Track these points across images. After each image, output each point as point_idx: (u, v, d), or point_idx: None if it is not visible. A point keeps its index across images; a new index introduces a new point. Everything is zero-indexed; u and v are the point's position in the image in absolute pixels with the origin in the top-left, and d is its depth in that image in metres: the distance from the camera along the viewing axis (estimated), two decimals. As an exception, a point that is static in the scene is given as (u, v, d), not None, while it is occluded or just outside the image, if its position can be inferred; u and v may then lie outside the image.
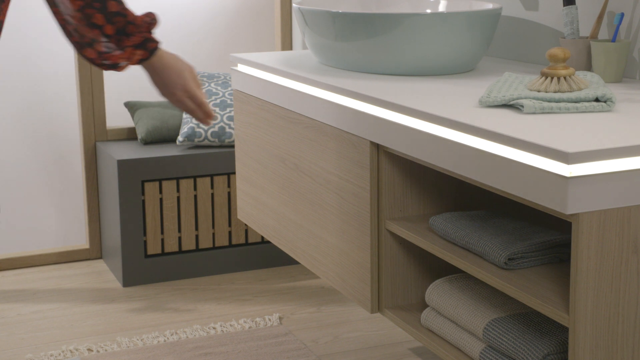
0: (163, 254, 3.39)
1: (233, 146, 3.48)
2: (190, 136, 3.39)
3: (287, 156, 2.34)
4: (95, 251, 3.63)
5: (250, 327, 2.97)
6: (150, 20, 1.78)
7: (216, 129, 3.40)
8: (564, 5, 2.24)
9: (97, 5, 1.70)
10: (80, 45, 1.74)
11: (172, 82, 1.83)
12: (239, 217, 2.76)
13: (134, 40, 1.75)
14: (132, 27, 1.74)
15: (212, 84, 3.51)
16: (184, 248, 3.42)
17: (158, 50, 1.80)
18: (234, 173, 3.44)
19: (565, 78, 1.89)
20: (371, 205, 2.08)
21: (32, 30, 3.63)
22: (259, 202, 2.58)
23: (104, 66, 1.77)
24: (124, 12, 1.73)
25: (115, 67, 1.77)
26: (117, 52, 1.75)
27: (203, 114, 1.87)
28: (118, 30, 1.73)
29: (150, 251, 3.37)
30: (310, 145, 2.22)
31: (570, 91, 1.88)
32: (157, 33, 3.81)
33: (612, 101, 1.83)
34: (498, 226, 1.95)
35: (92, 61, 1.76)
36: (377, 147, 2.09)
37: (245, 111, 2.62)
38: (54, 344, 2.89)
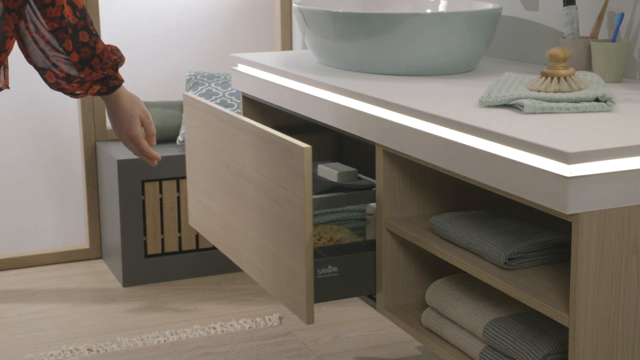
0: (163, 254, 3.39)
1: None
2: (190, 136, 3.39)
3: (231, 162, 2.28)
4: (95, 251, 3.63)
5: (250, 327, 2.97)
6: (117, 58, 1.81)
7: (216, 129, 3.40)
8: (564, 5, 2.24)
9: (70, 32, 1.72)
10: (42, 69, 1.76)
11: (120, 124, 1.88)
12: (190, 223, 2.70)
13: (95, 76, 1.78)
14: (97, 60, 1.77)
15: (212, 84, 3.51)
16: (184, 248, 3.42)
17: (118, 88, 1.84)
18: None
19: (565, 78, 1.89)
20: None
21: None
22: (207, 209, 2.50)
23: (61, 91, 1.80)
24: (93, 45, 1.76)
25: (73, 95, 1.81)
26: (76, 85, 1.78)
27: (146, 159, 1.94)
28: (82, 60, 1.75)
29: (150, 251, 3.37)
30: (252, 152, 2.16)
31: (570, 91, 1.88)
32: (158, 32, 3.81)
33: (612, 101, 1.83)
34: (498, 226, 1.95)
35: (50, 85, 1.78)
36: (379, 147, 2.09)
37: (193, 115, 2.56)
38: (54, 344, 2.89)
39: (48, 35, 1.71)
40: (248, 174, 2.20)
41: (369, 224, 2.35)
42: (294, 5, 2.48)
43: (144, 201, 3.34)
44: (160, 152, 3.38)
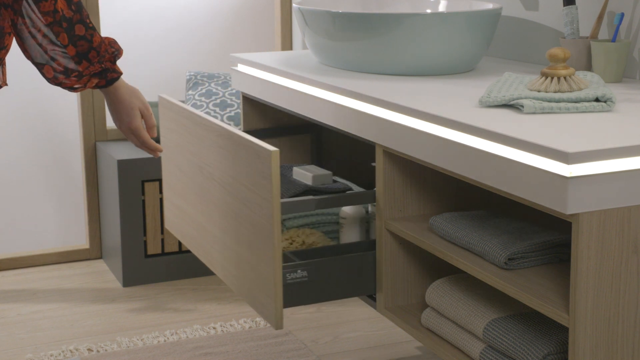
0: (163, 254, 3.39)
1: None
2: (190, 136, 3.39)
3: (204, 164, 2.25)
4: (95, 251, 3.63)
5: (250, 327, 2.97)
6: (114, 50, 1.80)
7: (216, 129, 3.40)
8: (564, 5, 2.24)
9: (64, 25, 1.71)
10: (40, 64, 1.76)
11: (120, 116, 1.89)
12: (166, 226, 2.67)
13: (92, 69, 1.78)
14: (94, 53, 1.77)
15: (212, 84, 3.51)
16: (184, 248, 3.42)
17: (117, 81, 1.84)
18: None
19: (565, 78, 1.89)
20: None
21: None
22: (182, 211, 2.49)
23: (60, 86, 1.80)
24: (90, 38, 1.75)
25: (72, 89, 1.81)
26: (74, 79, 1.78)
27: (148, 151, 1.94)
28: (79, 53, 1.75)
29: (150, 251, 3.37)
30: (222, 154, 2.14)
31: (570, 91, 1.88)
32: (158, 32, 3.81)
33: (612, 101, 1.83)
34: (498, 226, 1.95)
35: (48, 80, 1.78)
36: (380, 147, 2.09)
37: (167, 117, 2.54)
38: (54, 344, 2.89)
39: (45, 29, 1.71)
40: (219, 177, 2.17)
41: (343, 228, 2.33)
42: (294, 5, 2.48)
43: (144, 201, 3.34)
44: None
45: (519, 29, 2.56)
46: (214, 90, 3.48)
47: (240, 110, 3.43)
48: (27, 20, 1.70)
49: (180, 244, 3.40)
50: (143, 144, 1.93)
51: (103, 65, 1.79)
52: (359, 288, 2.17)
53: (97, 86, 1.82)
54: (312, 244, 2.29)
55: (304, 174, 2.41)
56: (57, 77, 1.77)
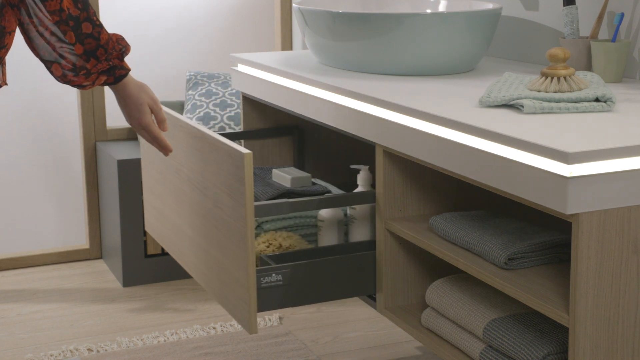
0: (163, 254, 3.39)
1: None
2: (190, 136, 3.39)
3: (181, 167, 2.24)
4: (95, 251, 3.63)
5: (250, 327, 2.97)
6: (122, 47, 1.81)
7: (216, 129, 3.40)
8: (564, 5, 2.24)
9: (71, 24, 1.72)
10: (49, 62, 1.76)
11: (130, 112, 1.89)
12: (146, 229, 2.65)
13: (100, 67, 1.78)
14: (102, 51, 1.77)
15: (212, 84, 3.51)
16: (184, 248, 3.42)
17: (125, 77, 1.84)
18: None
19: (565, 78, 1.89)
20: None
21: (32, 30, 3.63)
22: (160, 213, 2.48)
23: (69, 84, 1.80)
24: (97, 36, 1.75)
25: (80, 87, 1.81)
26: (82, 77, 1.78)
27: (159, 147, 1.94)
28: (86, 51, 1.75)
29: (150, 251, 3.37)
30: (198, 156, 2.13)
31: (570, 91, 1.88)
32: (158, 32, 3.82)
33: (612, 101, 1.83)
34: (498, 226, 1.95)
35: (57, 78, 1.78)
36: (379, 147, 2.09)
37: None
38: (54, 344, 2.89)
39: (52, 27, 1.71)
40: (195, 179, 2.15)
41: (321, 230, 2.32)
42: (294, 5, 2.48)
43: (143, 201, 3.34)
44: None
45: (519, 29, 2.56)
46: (214, 90, 3.48)
47: (240, 110, 3.43)
48: (35, 19, 1.70)
49: (180, 244, 3.41)
50: (154, 139, 1.92)
51: (111, 63, 1.79)
52: (337, 291, 2.15)
53: (105, 83, 1.82)
54: (289, 247, 2.27)
55: (283, 177, 2.40)
56: (65, 75, 1.77)
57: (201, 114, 3.42)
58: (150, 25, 3.78)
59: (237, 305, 2.02)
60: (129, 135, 3.61)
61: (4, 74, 1.80)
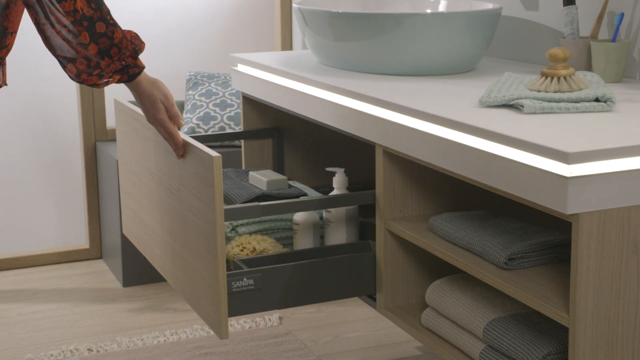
0: (163, 254, 3.39)
1: (232, 146, 3.48)
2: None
3: (155, 170, 2.23)
4: (95, 251, 3.63)
5: (250, 327, 2.97)
6: (135, 46, 1.81)
7: (216, 129, 3.40)
8: (564, 5, 2.24)
9: (85, 24, 1.73)
10: (64, 60, 1.77)
11: (146, 109, 1.91)
12: (124, 232, 2.63)
13: (114, 66, 1.79)
14: (116, 50, 1.78)
15: (212, 84, 3.51)
16: (184, 248, 3.42)
17: (139, 75, 1.85)
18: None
19: (565, 78, 1.89)
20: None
21: (32, 31, 3.63)
22: (137, 217, 2.46)
23: (83, 83, 1.81)
24: (111, 35, 1.76)
25: (95, 85, 1.82)
26: (95, 76, 1.79)
27: (173, 145, 1.95)
28: (100, 51, 1.76)
29: (150, 251, 3.37)
30: (171, 160, 2.11)
31: (570, 91, 1.88)
32: (158, 32, 3.81)
33: (612, 101, 1.83)
34: (498, 226, 1.95)
35: (72, 78, 1.80)
36: (379, 147, 2.09)
37: (122, 120, 2.49)
38: (54, 344, 2.89)
39: (70, 26, 1.72)
40: (168, 182, 2.13)
41: (297, 234, 2.31)
42: (294, 5, 2.48)
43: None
44: (160, 152, 3.38)
45: (519, 29, 2.56)
46: (214, 90, 3.48)
47: (240, 110, 3.43)
48: (51, 18, 1.71)
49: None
50: (170, 136, 1.93)
51: (124, 62, 1.80)
52: (311, 295, 2.13)
53: (119, 81, 1.83)
54: (263, 250, 2.25)
55: (259, 179, 2.39)
56: (80, 74, 1.78)
57: (201, 114, 3.42)
58: (150, 25, 3.78)
59: (208, 309, 2.01)
60: (129, 135, 3.61)
61: (4, 74, 1.80)
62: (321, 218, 2.37)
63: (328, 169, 2.38)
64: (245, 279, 2.06)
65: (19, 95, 3.63)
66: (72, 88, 3.68)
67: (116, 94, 3.77)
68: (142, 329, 2.98)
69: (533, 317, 1.85)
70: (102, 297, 3.26)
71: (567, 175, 1.52)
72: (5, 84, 1.81)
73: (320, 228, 2.34)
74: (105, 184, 3.45)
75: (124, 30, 1.81)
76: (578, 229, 1.55)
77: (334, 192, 2.32)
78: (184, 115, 3.46)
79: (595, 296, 1.58)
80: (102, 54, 1.77)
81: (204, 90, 3.48)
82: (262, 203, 2.06)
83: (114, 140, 3.59)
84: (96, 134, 3.55)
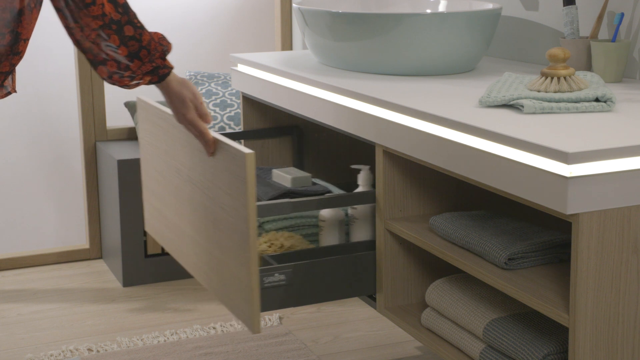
0: (163, 254, 3.39)
1: (233, 146, 3.48)
2: (190, 136, 3.39)
3: (181, 167, 2.23)
4: (95, 251, 3.63)
5: (250, 327, 2.97)
6: (164, 47, 1.84)
7: (216, 129, 3.40)
8: (564, 5, 2.24)
9: (114, 28, 1.76)
10: (95, 62, 1.81)
11: (176, 109, 1.93)
12: (146, 228, 2.64)
13: (145, 68, 1.83)
14: (145, 52, 1.81)
15: (212, 84, 3.51)
16: (184, 248, 3.42)
17: (168, 75, 1.88)
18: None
19: (565, 78, 1.89)
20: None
21: (33, 31, 3.63)
22: (160, 214, 2.46)
23: (115, 84, 1.85)
24: (139, 38, 1.80)
25: (126, 87, 1.85)
26: (127, 78, 1.83)
27: (204, 142, 1.96)
28: (131, 53, 1.80)
29: (150, 251, 3.37)
30: (200, 157, 2.12)
31: (570, 91, 1.88)
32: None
33: (612, 101, 1.83)
34: (498, 226, 1.95)
35: (104, 79, 1.84)
36: (379, 147, 2.09)
37: (145, 118, 2.50)
38: (54, 344, 2.89)
39: (97, 31, 1.75)
40: (196, 180, 2.15)
41: (323, 230, 2.32)
42: (294, 5, 2.48)
43: (143, 201, 3.34)
44: (160, 152, 3.38)
45: (519, 29, 2.56)
46: (214, 90, 3.49)
47: (240, 110, 3.43)
48: (81, 22, 1.75)
49: (180, 244, 3.41)
50: (201, 134, 1.95)
51: (154, 64, 1.83)
52: (339, 291, 2.15)
53: (149, 83, 1.86)
54: (290, 247, 2.27)
55: (283, 177, 2.40)
56: (111, 76, 1.82)
57: (201, 114, 3.42)
58: (150, 26, 3.78)
59: (239, 305, 2.02)
60: (129, 135, 3.61)
61: (13, 81, 1.82)
62: (347, 215, 2.38)
63: (353, 166, 2.38)
64: (276, 275, 2.09)
65: (19, 95, 3.63)
66: (72, 88, 3.68)
67: (116, 94, 3.77)
68: (142, 329, 2.99)
69: (533, 317, 1.85)
70: (102, 297, 3.26)
71: (567, 175, 1.52)
72: (15, 91, 1.82)
73: (345, 225, 2.36)
74: (105, 184, 3.45)
75: (151, 32, 1.85)
76: (578, 229, 1.55)
77: (359, 189, 2.32)
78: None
79: (595, 296, 1.58)
80: (132, 57, 1.80)
81: (204, 90, 3.48)
82: (293, 200, 2.08)
83: (114, 140, 3.59)
84: (96, 134, 3.55)
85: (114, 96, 3.77)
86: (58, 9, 1.75)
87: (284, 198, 2.34)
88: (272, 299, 2.09)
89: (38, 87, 3.65)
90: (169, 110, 2.32)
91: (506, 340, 1.80)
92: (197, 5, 3.81)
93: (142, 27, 1.81)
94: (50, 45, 3.63)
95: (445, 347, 1.97)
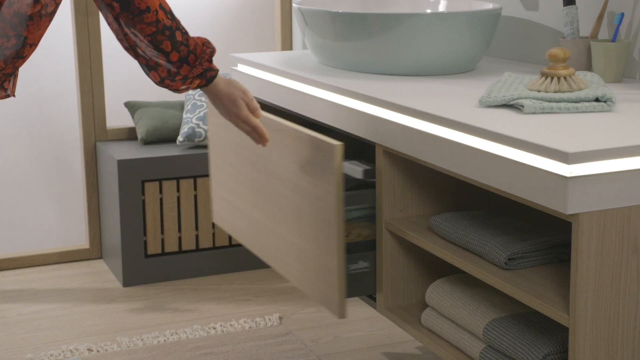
0: (163, 254, 3.39)
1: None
2: (190, 136, 3.39)
3: (258, 159, 2.29)
4: (95, 251, 3.63)
5: (250, 327, 2.97)
6: (210, 50, 1.89)
7: (216, 129, 3.41)
8: (564, 5, 2.24)
9: (167, 34, 1.81)
10: (148, 67, 1.86)
11: (226, 109, 1.96)
12: (214, 220, 2.71)
13: (195, 71, 1.87)
14: (193, 57, 1.86)
15: (212, 84, 3.51)
16: (184, 248, 3.42)
17: (215, 78, 1.92)
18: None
19: (565, 78, 1.89)
20: (337, 209, 2.08)
21: (32, 30, 3.63)
22: (232, 206, 2.52)
23: (167, 88, 1.89)
24: (186, 42, 1.85)
25: (177, 91, 1.90)
26: (179, 82, 1.87)
27: (257, 136, 1.99)
28: (181, 58, 1.85)
29: (150, 251, 3.37)
30: (279, 149, 2.17)
31: (570, 91, 1.88)
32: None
33: (612, 101, 1.83)
34: (498, 226, 1.95)
35: (156, 83, 1.89)
36: (379, 147, 2.10)
37: (217, 113, 2.58)
38: (54, 344, 2.89)
39: (152, 36, 1.80)
40: (275, 171, 2.22)
41: None
42: (294, 5, 2.48)
43: (144, 201, 3.34)
44: (160, 152, 3.38)
45: (519, 29, 2.56)
46: (214, 90, 3.48)
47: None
48: (135, 28, 1.79)
49: (180, 244, 3.41)
50: (254, 129, 1.98)
51: (203, 67, 1.88)
52: None
53: (198, 86, 1.91)
54: (367, 236, 2.32)
55: (354, 169, 2.44)
56: (163, 80, 1.87)
57: (201, 114, 3.42)
58: (150, 25, 3.78)
59: (324, 291, 2.08)
60: (129, 135, 3.61)
61: (14, 84, 1.83)
62: None
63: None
64: (361, 262, 2.14)
65: (19, 96, 3.63)
66: (72, 88, 3.68)
67: (117, 94, 3.77)
68: (142, 329, 2.99)
69: (533, 317, 1.85)
70: (102, 297, 3.26)
71: (567, 175, 1.52)
72: (14, 95, 1.83)
73: None
74: (105, 184, 3.45)
75: (194, 37, 1.89)
76: (578, 229, 1.55)
77: None
78: (184, 115, 3.46)
79: (595, 296, 1.58)
80: (182, 62, 1.85)
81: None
82: (374, 189, 2.12)
83: (114, 140, 3.59)
84: (96, 134, 3.55)
85: (114, 96, 3.76)
86: (115, 17, 1.79)
87: (358, 189, 2.39)
88: (357, 285, 2.15)
89: (38, 87, 3.65)
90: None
91: (506, 340, 1.80)
92: (197, 5, 3.81)
93: (187, 33, 1.86)
94: (51, 45, 3.63)
95: (445, 347, 1.97)
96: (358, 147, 2.90)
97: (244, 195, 2.46)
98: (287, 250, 2.24)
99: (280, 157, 2.20)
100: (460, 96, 2.03)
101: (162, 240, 3.38)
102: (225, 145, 2.54)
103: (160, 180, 3.35)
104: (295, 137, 2.12)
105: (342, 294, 2.02)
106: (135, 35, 1.80)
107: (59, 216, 3.74)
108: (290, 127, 2.14)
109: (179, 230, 3.40)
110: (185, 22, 3.81)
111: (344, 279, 2.01)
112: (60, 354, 2.80)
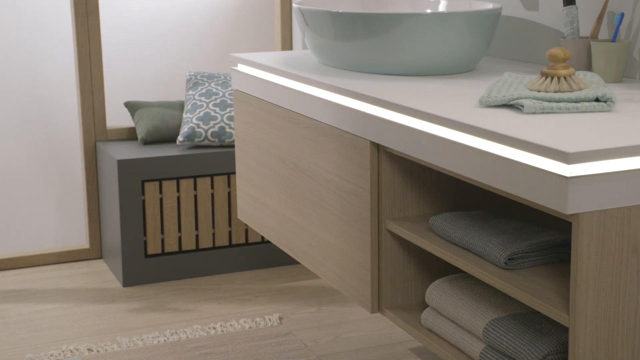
0: (163, 254, 3.39)
1: (233, 146, 3.48)
2: (190, 136, 3.39)
3: (287, 156, 2.33)
4: (95, 251, 3.63)
5: (250, 327, 2.97)
6: None
7: (216, 128, 3.40)
8: (564, 5, 2.24)
9: None
10: None
11: None
12: (239, 217, 2.76)
13: None
14: None
15: (212, 84, 3.51)
16: (184, 248, 3.42)
17: None
18: (234, 173, 3.44)
19: (565, 78, 1.89)
20: (371, 205, 2.09)
21: (33, 31, 3.63)
22: (259, 202, 2.57)
23: None
24: None
25: None
26: None
27: None
28: None
29: (150, 251, 3.37)
30: (310, 146, 2.21)
31: (570, 91, 1.88)
32: (158, 32, 3.81)
33: (612, 101, 1.83)
34: (498, 226, 1.95)
35: None
36: (377, 147, 2.09)
37: (245, 111, 2.61)
38: (54, 344, 2.89)
39: None
40: (305, 168, 2.24)
41: None
42: (294, 5, 2.48)
43: (144, 201, 3.34)
44: (160, 152, 3.38)
45: (519, 29, 2.56)
46: (214, 90, 3.48)
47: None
48: None
49: (180, 244, 3.41)
50: None
51: None
52: None
53: None
54: None
55: None
56: None
57: (201, 114, 3.42)
58: (150, 25, 3.78)
59: (356, 287, 2.11)
60: (129, 135, 3.61)
61: None
62: None
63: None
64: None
65: (19, 96, 3.63)
66: (72, 88, 3.68)
67: (117, 94, 3.77)
68: (142, 329, 2.99)
69: (533, 317, 1.85)
70: (102, 297, 3.26)
71: (567, 175, 1.52)
72: None
73: None
74: (105, 184, 3.45)
75: None
76: (578, 229, 1.55)
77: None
78: (184, 115, 3.46)
79: (595, 296, 1.58)
80: None
81: (204, 90, 3.48)
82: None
83: (114, 140, 3.59)
84: (96, 134, 3.55)
85: (114, 96, 3.76)
86: None
87: None
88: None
89: (38, 88, 3.65)
90: (271, 102, 2.40)
91: (506, 340, 1.80)
92: (197, 5, 3.81)
93: None
94: (51, 45, 3.63)
95: (445, 347, 1.97)
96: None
97: (272, 192, 2.49)
98: (316, 245, 2.27)
99: (310, 154, 2.22)
100: (460, 96, 2.03)
101: (162, 240, 3.38)
102: (252, 142, 2.57)
103: (160, 180, 3.35)
104: (328, 134, 2.15)
105: (375, 289, 2.06)
106: None
107: (59, 216, 3.74)
108: (324, 125, 2.16)
109: (179, 230, 3.40)
110: (185, 22, 3.81)
111: (377, 275, 2.04)
112: (60, 354, 2.80)
